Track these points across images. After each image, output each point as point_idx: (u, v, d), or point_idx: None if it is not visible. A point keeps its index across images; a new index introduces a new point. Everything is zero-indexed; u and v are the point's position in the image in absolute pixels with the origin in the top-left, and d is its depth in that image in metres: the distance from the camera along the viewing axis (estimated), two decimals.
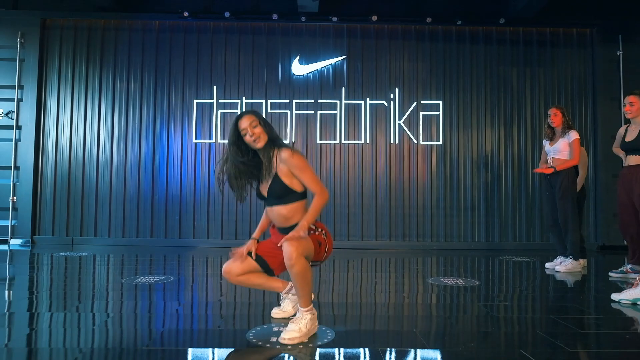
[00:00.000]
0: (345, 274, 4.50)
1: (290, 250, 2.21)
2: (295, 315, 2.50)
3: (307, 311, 2.35)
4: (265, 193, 2.48)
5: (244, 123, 2.41)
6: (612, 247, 6.43)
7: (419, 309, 3.09)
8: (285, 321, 2.52)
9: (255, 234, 2.65)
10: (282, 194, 2.42)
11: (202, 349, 2.22)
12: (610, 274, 4.30)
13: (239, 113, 2.57)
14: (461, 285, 3.76)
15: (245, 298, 3.32)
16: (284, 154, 2.39)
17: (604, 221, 6.55)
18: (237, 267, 2.52)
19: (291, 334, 2.25)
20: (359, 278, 4.28)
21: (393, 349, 2.21)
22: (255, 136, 2.39)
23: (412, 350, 2.19)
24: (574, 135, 4.56)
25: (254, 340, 2.27)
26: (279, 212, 2.46)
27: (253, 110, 2.52)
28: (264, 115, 6.51)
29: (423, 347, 2.24)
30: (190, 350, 2.19)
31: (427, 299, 3.38)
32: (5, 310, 2.86)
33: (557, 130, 4.70)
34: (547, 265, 4.85)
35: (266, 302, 3.17)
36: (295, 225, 2.39)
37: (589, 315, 2.90)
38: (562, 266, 4.58)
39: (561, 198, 4.54)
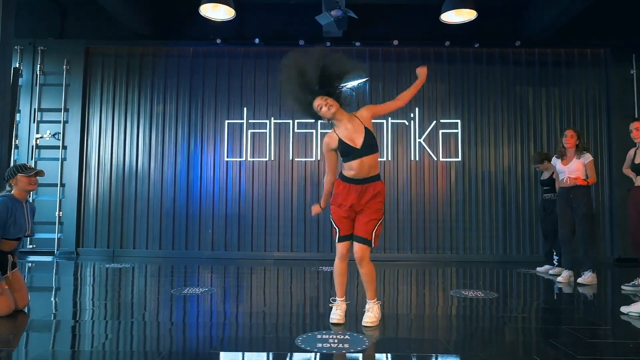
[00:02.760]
0: (381, 285, 4.83)
1: (360, 256, 2.99)
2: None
3: (375, 302, 3.13)
4: (359, 145, 2.96)
5: (318, 101, 3.00)
6: (628, 260, 6.61)
7: (443, 320, 3.41)
8: (337, 328, 3.00)
9: (322, 203, 3.29)
10: (373, 143, 3.00)
11: (258, 353, 2.59)
12: (622, 287, 4.56)
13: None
14: (480, 298, 4.08)
15: (287, 308, 3.69)
16: (363, 108, 3.12)
17: (620, 235, 6.76)
18: (347, 249, 3.12)
19: (372, 318, 3.04)
20: (382, 290, 4.61)
21: (423, 355, 2.55)
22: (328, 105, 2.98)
23: (438, 357, 2.53)
24: (589, 157, 4.88)
25: (302, 346, 2.63)
26: (369, 161, 2.98)
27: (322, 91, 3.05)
28: (291, 135, 6.95)
29: (448, 353, 2.58)
30: (247, 355, 2.56)
31: (449, 311, 3.71)
32: (83, 317, 3.28)
33: (568, 151, 4.99)
34: (539, 269, 5.56)
35: (307, 312, 3.53)
36: (375, 176, 3.03)
37: (599, 327, 3.19)
38: (564, 278, 4.93)
39: (586, 215, 4.82)
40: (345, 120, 3.03)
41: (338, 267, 3.16)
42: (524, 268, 6.04)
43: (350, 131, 3.00)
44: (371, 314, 3.06)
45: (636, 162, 4.43)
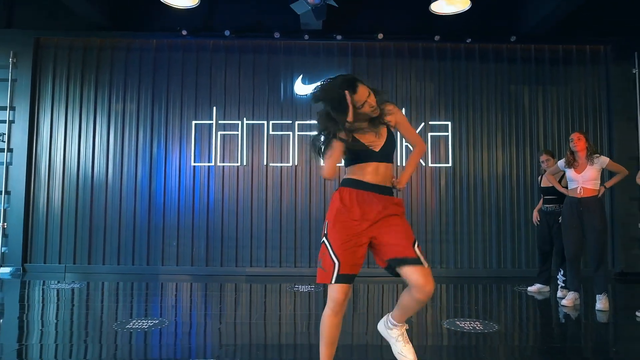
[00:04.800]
0: (350, 311, 4.20)
1: (425, 279, 2.09)
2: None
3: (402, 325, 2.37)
4: (377, 149, 2.24)
5: (363, 95, 2.17)
6: (632, 274, 6.13)
7: None
8: None
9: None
10: (393, 150, 2.33)
11: None
12: (638, 313, 4.00)
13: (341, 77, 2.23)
14: (480, 332, 3.46)
15: (254, 350, 3.03)
16: (392, 106, 2.33)
17: (622, 247, 6.26)
18: (345, 295, 2.17)
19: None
20: (364, 317, 3.97)
21: None
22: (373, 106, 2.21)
23: None
24: (605, 158, 4.36)
25: None
26: (386, 169, 2.28)
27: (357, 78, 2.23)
28: (265, 137, 6.31)
29: None
30: None
31: (441, 354, 3.08)
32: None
33: (578, 157, 4.41)
34: (531, 289, 5.09)
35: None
36: (389, 187, 2.30)
37: None
38: (569, 301, 4.39)
39: (601, 232, 4.27)
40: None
41: (328, 322, 2.19)
42: (520, 285, 5.48)
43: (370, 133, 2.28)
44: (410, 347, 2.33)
45: None
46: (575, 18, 6.27)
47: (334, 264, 2.11)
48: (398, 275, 2.16)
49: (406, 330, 2.38)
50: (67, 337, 3.32)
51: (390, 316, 2.39)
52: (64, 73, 6.51)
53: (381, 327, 2.45)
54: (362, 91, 2.16)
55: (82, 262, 6.29)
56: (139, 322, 3.66)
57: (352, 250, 2.14)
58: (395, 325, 2.35)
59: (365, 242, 2.18)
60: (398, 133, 2.46)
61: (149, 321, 3.70)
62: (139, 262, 6.29)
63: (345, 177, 2.32)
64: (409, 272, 2.10)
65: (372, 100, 2.20)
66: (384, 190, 2.26)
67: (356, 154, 2.25)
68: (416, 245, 2.18)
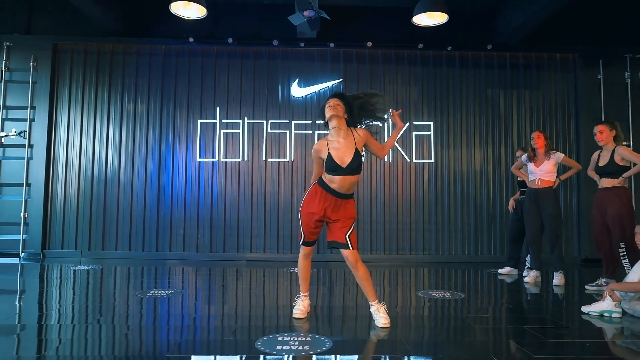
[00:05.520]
0: (342, 287, 4.83)
1: (352, 260, 3.11)
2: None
3: (378, 302, 3.19)
4: (345, 164, 3.05)
5: (331, 100, 3.15)
6: (595, 260, 6.75)
7: (408, 320, 3.42)
8: (299, 322, 3.18)
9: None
10: (358, 165, 3.10)
11: (215, 357, 2.55)
12: (586, 287, 4.65)
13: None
14: (447, 299, 4.10)
15: (252, 310, 3.65)
16: (363, 132, 3.17)
17: (588, 236, 6.90)
18: (310, 252, 3.36)
19: (387, 319, 3.07)
20: (354, 291, 4.60)
21: (386, 357, 2.54)
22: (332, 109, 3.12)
23: (399, 358, 2.53)
24: (561, 154, 4.99)
25: (262, 349, 2.59)
26: (351, 180, 3.10)
27: (339, 94, 3.25)
28: (264, 135, 6.90)
29: (408, 354, 2.58)
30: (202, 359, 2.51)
31: (416, 312, 3.71)
32: (36, 322, 3.18)
33: (538, 152, 5.05)
34: (501, 271, 5.68)
35: (271, 314, 3.49)
36: (351, 194, 3.19)
37: (559, 326, 3.24)
38: (530, 278, 5.06)
39: (555, 217, 4.90)
40: (343, 133, 3.11)
41: (301, 264, 3.36)
42: (493, 268, 6.10)
43: (342, 148, 3.08)
44: (384, 315, 3.10)
45: (600, 164, 4.53)
46: (546, 29, 6.95)
47: (302, 235, 3.27)
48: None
49: (384, 306, 3.19)
50: (96, 303, 3.93)
51: (369, 302, 3.24)
52: (80, 76, 7.08)
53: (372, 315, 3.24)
54: (330, 102, 3.18)
55: (96, 248, 6.87)
56: (157, 292, 4.27)
57: (311, 232, 3.24)
58: (371, 304, 3.20)
59: (319, 228, 3.25)
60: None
61: (165, 291, 4.31)
62: (149, 248, 6.88)
63: (321, 177, 3.19)
64: (342, 252, 3.16)
65: (337, 104, 3.13)
66: (345, 196, 3.15)
67: (329, 167, 3.10)
68: (348, 234, 3.13)
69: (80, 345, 2.70)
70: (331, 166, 3.05)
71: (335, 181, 3.06)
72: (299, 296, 3.44)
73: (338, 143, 3.09)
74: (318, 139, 6.96)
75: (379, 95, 3.29)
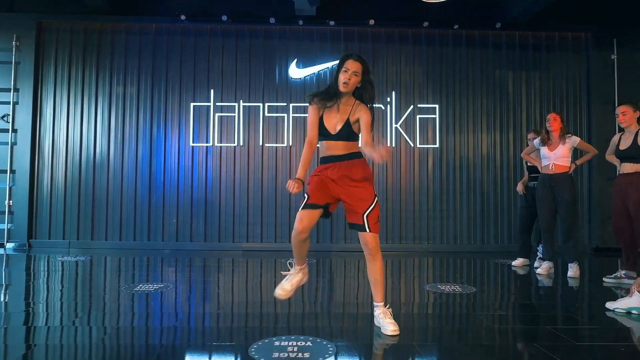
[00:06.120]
0: (343, 279, 4.54)
1: (372, 245, 2.66)
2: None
3: (384, 305, 2.75)
4: (334, 132, 2.72)
5: (352, 65, 2.69)
6: (606, 249, 6.51)
7: (418, 320, 3.12)
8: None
9: (300, 174, 2.71)
10: (349, 134, 2.71)
11: None
12: (604, 279, 4.36)
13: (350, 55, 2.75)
14: (458, 293, 3.81)
15: (249, 308, 3.35)
16: (365, 110, 2.73)
17: (599, 223, 6.63)
18: (309, 223, 2.66)
19: (395, 326, 2.64)
20: (355, 285, 4.31)
21: None
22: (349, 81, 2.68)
23: None
24: (576, 138, 4.67)
25: (256, 356, 2.29)
26: (345, 145, 2.72)
27: (363, 60, 2.74)
28: (261, 119, 6.57)
29: None
30: None
31: (424, 309, 3.42)
32: (22, 323, 2.87)
33: (552, 136, 4.74)
34: (514, 263, 5.31)
35: (269, 312, 3.20)
36: (355, 153, 2.72)
37: (584, 326, 2.95)
38: (543, 269, 4.76)
39: (571, 203, 4.61)
40: (345, 97, 2.75)
41: (295, 239, 2.68)
42: (501, 258, 5.83)
43: (336, 114, 2.75)
44: (391, 322, 2.67)
45: (621, 148, 4.22)
46: (557, 6, 6.57)
47: (305, 197, 2.69)
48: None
49: (390, 310, 2.76)
50: (85, 300, 3.63)
51: (374, 301, 2.80)
52: (66, 56, 6.71)
53: (375, 318, 2.81)
54: (353, 64, 2.69)
55: (85, 238, 6.56)
56: (146, 286, 3.97)
57: (318, 191, 2.69)
58: (377, 306, 2.76)
59: (329, 190, 2.71)
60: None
61: (155, 285, 4.01)
62: (140, 238, 6.57)
63: (320, 154, 2.83)
64: (359, 236, 2.71)
65: (357, 73, 2.70)
66: (347, 157, 2.72)
67: (320, 132, 2.76)
68: (366, 214, 2.67)
69: (66, 349, 2.39)
70: (321, 130, 2.75)
71: (328, 147, 2.75)
72: (290, 271, 2.87)
73: (336, 106, 2.74)
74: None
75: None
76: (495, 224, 6.72)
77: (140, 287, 3.91)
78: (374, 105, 2.80)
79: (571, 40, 6.91)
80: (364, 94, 2.76)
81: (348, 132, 2.71)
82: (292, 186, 2.63)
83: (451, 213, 6.70)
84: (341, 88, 2.68)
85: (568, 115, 6.82)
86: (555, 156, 4.69)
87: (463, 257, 6.07)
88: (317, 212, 2.68)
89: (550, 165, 4.71)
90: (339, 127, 2.71)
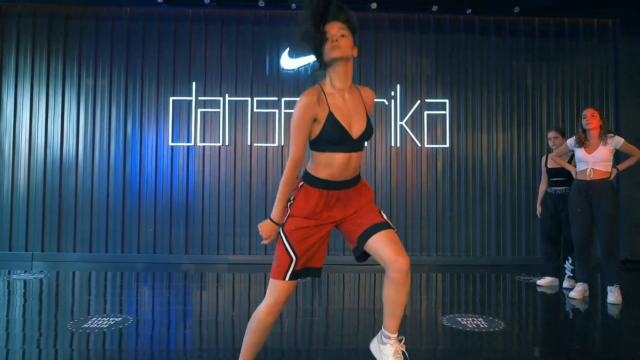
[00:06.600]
0: (341, 304, 3.81)
1: (406, 266, 1.85)
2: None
3: (397, 338, 1.97)
4: (355, 133, 1.92)
5: (333, 27, 1.90)
6: (637, 262, 5.82)
7: None
8: None
9: (278, 215, 1.93)
10: (369, 137, 1.99)
11: None
12: None
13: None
14: (484, 330, 3.09)
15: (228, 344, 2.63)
16: (368, 91, 2.06)
17: (627, 233, 5.94)
18: (290, 295, 1.95)
19: None
20: (355, 314, 3.59)
21: None
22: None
23: None
24: (620, 139, 4.00)
25: None
26: (357, 159, 1.97)
27: (346, 14, 1.94)
28: (249, 115, 5.87)
29: None
30: None
31: (445, 356, 2.70)
32: None
33: (590, 135, 4.03)
34: (540, 282, 4.61)
35: None
36: (358, 176, 2.02)
37: None
38: (577, 293, 4.04)
39: (612, 217, 3.91)
40: (348, 87, 1.95)
41: (264, 321, 1.95)
42: (522, 274, 5.14)
43: (350, 108, 1.93)
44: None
45: None
46: None
47: (291, 259, 1.89)
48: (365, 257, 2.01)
49: (403, 349, 1.97)
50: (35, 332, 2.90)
51: (383, 328, 2.01)
52: (29, 44, 5.96)
53: (373, 345, 2.05)
54: (335, 29, 1.89)
55: (50, 250, 5.83)
56: (99, 321, 3.24)
57: (309, 242, 1.92)
58: (389, 338, 1.97)
59: (324, 236, 1.97)
60: None
61: (115, 319, 3.28)
62: (113, 249, 5.85)
63: (305, 170, 1.99)
64: (378, 248, 1.88)
65: (346, 34, 1.91)
66: (351, 183, 1.98)
67: (329, 139, 1.89)
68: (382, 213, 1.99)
69: None
70: (333, 136, 1.87)
71: (334, 164, 1.90)
72: None
73: (344, 101, 1.93)
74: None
75: None
76: (512, 233, 6.01)
77: (92, 323, 3.17)
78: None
79: (597, 27, 6.22)
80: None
81: (369, 132, 1.97)
82: (265, 232, 1.89)
83: (463, 221, 6.00)
84: (333, 54, 1.85)
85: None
86: (594, 160, 3.98)
87: (476, 272, 5.39)
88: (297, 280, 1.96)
89: (588, 170, 3.99)
90: (359, 128, 1.93)
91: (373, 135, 5.71)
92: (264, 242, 1.89)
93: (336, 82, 1.92)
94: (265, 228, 1.89)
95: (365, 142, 1.97)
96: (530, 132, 6.10)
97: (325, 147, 1.89)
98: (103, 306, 3.73)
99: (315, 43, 1.87)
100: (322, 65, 1.92)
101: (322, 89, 1.92)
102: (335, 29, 1.88)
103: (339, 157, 1.89)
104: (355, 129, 1.91)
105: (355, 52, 1.94)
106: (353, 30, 1.92)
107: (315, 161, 1.94)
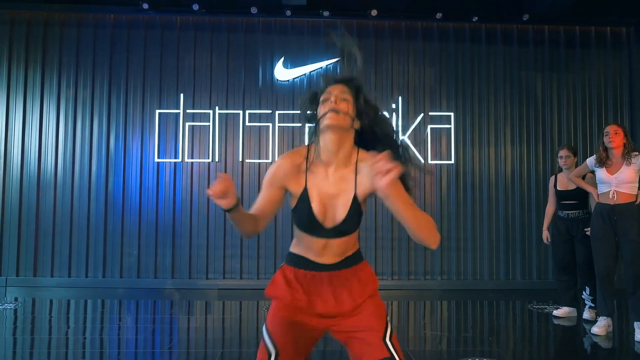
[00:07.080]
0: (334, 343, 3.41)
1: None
2: None
3: None
4: (330, 223, 1.53)
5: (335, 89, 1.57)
6: None
7: None
8: None
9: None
10: (354, 224, 1.56)
11: None
12: None
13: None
14: None
15: None
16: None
17: None
18: None
19: None
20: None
21: None
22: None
23: None
24: None
25: None
26: (341, 244, 1.57)
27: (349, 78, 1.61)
28: (241, 129, 5.55)
29: None
30: None
31: None
32: None
33: (613, 154, 3.68)
34: (557, 313, 4.24)
35: None
36: (353, 255, 1.60)
37: None
38: (600, 328, 3.64)
39: (638, 245, 3.56)
40: (342, 155, 1.55)
41: None
42: (535, 302, 4.78)
43: (331, 188, 1.54)
44: None
45: None
46: None
47: (270, 354, 1.50)
48: None
49: None
50: None
51: None
52: (5, 52, 5.66)
53: None
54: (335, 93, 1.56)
55: (26, 274, 5.46)
56: None
57: (291, 334, 1.53)
58: None
59: (310, 329, 1.56)
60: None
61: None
62: (94, 273, 5.48)
63: (292, 244, 1.65)
64: None
65: (348, 100, 1.56)
66: (339, 265, 1.58)
67: (298, 219, 1.56)
68: (387, 337, 1.48)
69: None
70: (302, 219, 1.54)
71: (311, 246, 1.56)
72: None
73: (326, 175, 1.56)
74: (309, 135, 5.56)
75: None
76: (522, 255, 5.68)
77: None
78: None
79: (610, 36, 5.96)
80: (375, 129, 1.59)
81: (354, 222, 1.55)
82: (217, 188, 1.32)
83: (469, 243, 5.66)
84: (327, 121, 1.50)
85: (606, 124, 5.78)
86: (618, 181, 3.63)
87: (484, 298, 5.06)
88: None
89: (611, 193, 3.64)
90: (341, 214, 1.53)
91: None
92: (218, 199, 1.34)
93: (322, 152, 1.55)
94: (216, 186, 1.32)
95: (354, 226, 1.56)
96: (540, 146, 5.80)
97: (299, 227, 1.56)
98: (82, 349, 3.32)
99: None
100: (315, 128, 1.57)
101: (308, 156, 1.57)
102: (337, 91, 1.55)
103: (314, 241, 1.54)
104: (331, 216, 1.52)
105: (356, 125, 1.57)
106: (357, 100, 1.58)
107: (295, 234, 1.61)
